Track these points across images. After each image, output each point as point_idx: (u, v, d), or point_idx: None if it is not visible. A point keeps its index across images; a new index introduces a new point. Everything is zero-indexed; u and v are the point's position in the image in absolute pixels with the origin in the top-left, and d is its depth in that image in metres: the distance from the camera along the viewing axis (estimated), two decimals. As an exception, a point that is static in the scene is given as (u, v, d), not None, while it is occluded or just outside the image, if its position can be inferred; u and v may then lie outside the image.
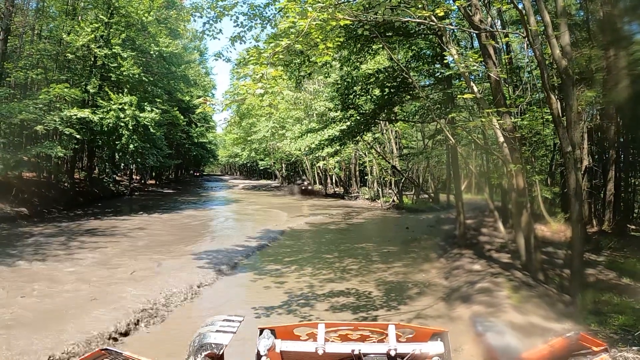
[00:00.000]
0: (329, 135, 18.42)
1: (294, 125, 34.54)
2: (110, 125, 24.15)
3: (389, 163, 29.28)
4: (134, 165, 38.29)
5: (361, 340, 2.57)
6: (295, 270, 11.92)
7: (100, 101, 24.47)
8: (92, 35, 23.07)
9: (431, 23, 7.86)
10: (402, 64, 13.86)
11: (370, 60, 16.90)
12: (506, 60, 13.06)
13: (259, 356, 2.42)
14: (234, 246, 14.78)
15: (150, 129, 26.72)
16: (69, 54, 23.30)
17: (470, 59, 8.47)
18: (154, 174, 47.61)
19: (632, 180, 14.37)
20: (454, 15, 13.46)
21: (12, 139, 20.87)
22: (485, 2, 11.18)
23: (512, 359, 2.19)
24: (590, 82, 11.43)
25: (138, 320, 7.79)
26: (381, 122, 22.18)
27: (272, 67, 6.80)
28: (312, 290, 9.96)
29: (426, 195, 29.74)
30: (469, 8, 9.66)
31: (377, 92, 15.87)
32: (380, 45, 13.23)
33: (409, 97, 15.25)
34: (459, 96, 10.66)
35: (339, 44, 9.59)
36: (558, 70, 8.35)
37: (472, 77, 11.63)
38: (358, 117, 16.19)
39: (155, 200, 32.16)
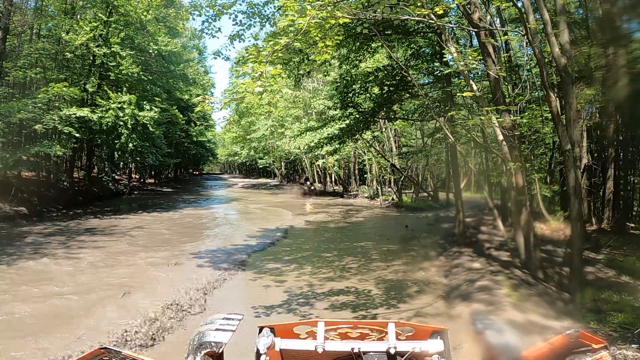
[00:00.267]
0: (328, 134, 18.39)
1: (293, 123, 34.55)
2: (110, 124, 24.16)
3: (388, 161, 29.27)
4: (133, 164, 38.31)
5: (361, 338, 2.57)
6: (295, 269, 11.92)
7: (99, 100, 24.48)
8: (91, 34, 23.07)
9: (430, 21, 7.85)
10: (401, 62, 13.86)
11: (369, 59, 16.90)
12: (505, 59, 13.05)
13: (258, 354, 2.42)
14: (233, 246, 14.79)
15: (150, 127, 26.75)
16: (67, 53, 23.28)
17: (470, 57, 8.48)
18: (153, 172, 47.62)
19: (631, 179, 14.38)
20: (453, 13, 13.46)
21: (11, 138, 20.84)
22: (485, 0, 11.17)
23: (512, 357, 2.19)
24: (590, 80, 11.42)
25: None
26: (380, 120, 22.17)
27: (271, 66, 6.79)
28: (311, 289, 9.96)
29: (425, 194, 29.72)
30: (468, 6, 9.66)
31: (376, 90, 15.84)
32: (380, 44, 13.22)
33: (408, 95, 15.23)
34: (458, 94, 10.67)
35: (338, 42, 9.57)
36: (557, 69, 8.36)
37: (471, 75, 11.60)
38: (357, 116, 16.17)
39: (155, 199, 32.15)
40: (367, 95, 16.25)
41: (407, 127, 29.67)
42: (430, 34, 13.57)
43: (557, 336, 2.23)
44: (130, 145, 25.90)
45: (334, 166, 37.85)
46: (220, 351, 2.34)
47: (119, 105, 24.60)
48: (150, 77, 28.75)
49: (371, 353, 2.40)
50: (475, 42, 13.96)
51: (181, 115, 34.92)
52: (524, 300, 7.75)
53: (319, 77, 27.81)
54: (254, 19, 10.71)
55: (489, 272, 9.71)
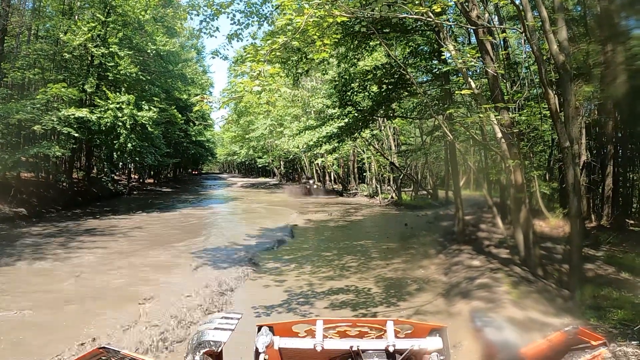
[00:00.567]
0: (327, 132, 18.39)
1: (292, 122, 34.55)
2: (108, 124, 24.16)
3: (387, 160, 29.26)
4: (132, 165, 38.30)
5: (359, 336, 2.57)
6: (294, 268, 11.93)
7: (98, 100, 24.48)
8: (89, 35, 23.04)
9: (428, 19, 7.85)
10: (399, 60, 13.85)
11: (367, 57, 16.88)
12: (504, 56, 13.04)
13: (257, 353, 2.42)
14: (237, 246, 14.78)
15: (148, 127, 26.73)
16: (66, 54, 23.26)
17: (468, 55, 8.47)
18: (152, 172, 47.58)
19: (631, 175, 14.39)
20: (451, 11, 13.46)
21: (10, 139, 20.81)
22: (482, -3, 11.17)
23: (511, 354, 2.18)
24: (588, 77, 11.44)
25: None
26: (379, 118, 22.15)
27: (269, 65, 6.79)
28: (311, 288, 9.96)
29: (425, 192, 29.73)
30: (466, 4, 9.65)
31: (374, 88, 15.84)
32: (378, 42, 13.21)
33: (406, 93, 15.23)
34: (456, 92, 10.64)
35: (336, 40, 9.57)
36: (556, 66, 8.36)
37: (470, 73, 11.62)
38: (356, 114, 16.17)
39: (154, 199, 32.11)
40: (366, 93, 16.24)
41: (406, 125, 29.64)
42: (428, 32, 13.56)
43: (556, 333, 2.23)
44: (129, 145, 25.89)
45: (333, 165, 37.83)
46: (219, 350, 2.34)
47: (118, 106, 24.59)
48: (149, 77, 28.72)
49: (370, 351, 2.40)
50: (473, 39, 13.99)
51: (180, 115, 34.91)
52: (524, 297, 7.75)
53: (318, 75, 27.76)
54: (251, 18, 10.72)
55: (488, 270, 9.72)
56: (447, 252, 12.73)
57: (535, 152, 15.17)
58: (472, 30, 11.69)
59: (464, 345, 5.64)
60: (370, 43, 14.26)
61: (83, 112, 22.13)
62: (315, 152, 29.57)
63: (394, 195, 29.76)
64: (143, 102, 26.69)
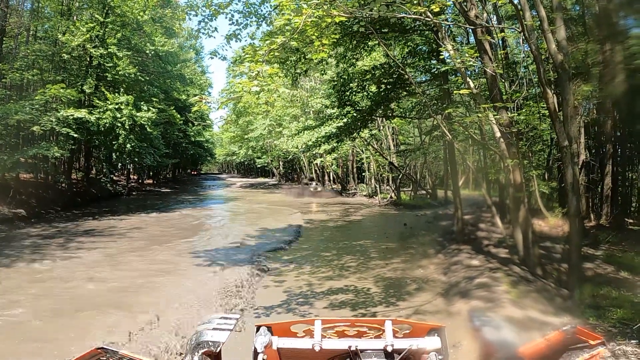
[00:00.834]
0: (325, 132, 18.37)
1: (291, 122, 34.54)
2: (107, 125, 24.16)
3: (386, 159, 29.27)
4: (131, 165, 38.27)
5: (358, 336, 2.57)
6: (294, 269, 11.93)
7: (97, 101, 24.45)
8: (88, 35, 23.03)
9: (427, 19, 7.84)
10: (398, 60, 13.84)
11: (366, 57, 16.87)
12: (502, 56, 13.03)
13: (255, 353, 2.42)
14: (232, 245, 14.79)
15: (147, 128, 26.73)
16: (64, 55, 23.26)
17: (466, 55, 8.46)
18: (151, 173, 47.56)
19: (630, 174, 14.38)
20: (450, 11, 13.47)
21: (9, 140, 20.80)
22: (481, -3, 11.18)
23: (509, 353, 2.18)
24: (587, 76, 11.43)
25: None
26: (378, 118, 22.15)
27: (268, 65, 6.78)
28: (310, 288, 9.96)
29: (424, 192, 29.73)
30: (465, 4, 9.65)
31: (373, 88, 15.84)
32: (376, 42, 13.20)
33: (405, 93, 15.23)
34: (455, 92, 10.63)
35: (335, 40, 9.59)
36: (554, 65, 8.36)
37: (469, 72, 11.63)
38: (355, 114, 16.16)
39: (153, 199, 32.12)
40: (365, 93, 16.24)
41: (404, 125, 29.64)
42: (427, 32, 13.56)
43: (554, 332, 2.23)
44: (128, 146, 25.89)
45: (332, 165, 37.82)
46: (217, 350, 2.34)
47: (117, 106, 24.59)
48: (148, 78, 28.71)
49: (368, 351, 2.41)
50: (472, 39, 13.98)
51: (179, 116, 34.91)
52: (523, 296, 7.75)
53: (316, 75, 27.76)
54: (250, 19, 10.72)
55: (487, 269, 9.71)
56: (446, 252, 12.73)
57: (534, 151, 15.18)
58: (470, 30, 11.71)
59: (463, 344, 5.64)
60: (369, 43, 14.24)
61: (82, 113, 22.13)
62: (314, 152, 29.54)
63: (393, 195, 29.77)
64: (142, 103, 26.69)
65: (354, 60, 15.42)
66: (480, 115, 8.84)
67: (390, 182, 31.02)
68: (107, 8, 24.73)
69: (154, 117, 26.86)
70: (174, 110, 33.43)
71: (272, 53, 6.90)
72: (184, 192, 42.04)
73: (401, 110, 19.41)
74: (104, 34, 24.87)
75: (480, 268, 10.03)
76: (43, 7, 24.42)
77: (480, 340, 2.32)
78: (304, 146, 26.49)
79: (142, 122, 26.06)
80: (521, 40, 10.54)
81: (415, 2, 7.46)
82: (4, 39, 21.06)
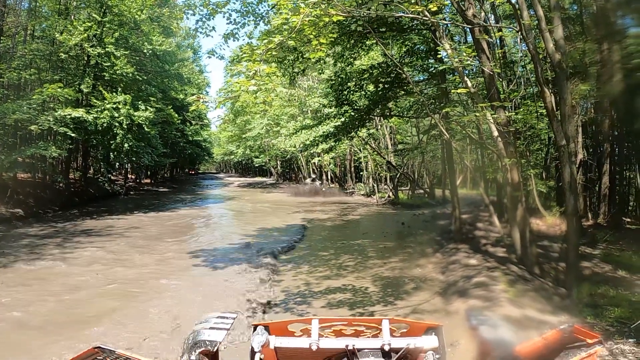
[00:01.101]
0: (323, 132, 18.36)
1: (289, 122, 34.52)
2: (105, 124, 24.12)
3: (384, 159, 29.26)
4: (129, 165, 38.18)
5: (355, 335, 2.57)
6: (291, 268, 11.92)
7: (94, 100, 24.41)
8: (85, 35, 22.99)
9: (424, 18, 7.85)
10: (395, 59, 13.82)
11: (364, 56, 16.86)
12: (500, 55, 13.04)
13: (252, 353, 2.42)
14: (232, 245, 14.78)
15: (145, 127, 26.71)
16: (62, 54, 23.24)
17: (464, 54, 8.47)
18: (149, 172, 47.49)
19: (627, 173, 14.41)
20: (447, 10, 13.47)
21: (7, 139, 20.75)
22: (479, -4, 11.18)
23: (506, 352, 2.18)
24: (584, 75, 11.43)
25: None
26: (375, 117, 22.16)
27: (265, 64, 6.79)
28: (308, 287, 9.96)
29: (421, 191, 29.75)
30: (462, 3, 9.67)
31: (371, 87, 15.82)
32: (374, 41, 13.19)
33: (403, 92, 15.21)
34: (453, 91, 10.65)
35: (332, 40, 9.58)
36: (552, 64, 8.36)
37: (466, 71, 11.63)
38: (352, 113, 16.15)
39: (151, 199, 32.09)
40: (362, 92, 16.22)
41: (402, 124, 29.62)
42: (424, 31, 13.54)
43: (551, 331, 2.23)
44: (126, 145, 25.86)
45: (330, 164, 37.81)
46: (215, 350, 2.34)
47: (114, 106, 24.56)
48: (145, 77, 28.67)
49: (366, 350, 2.41)
50: (469, 38, 13.97)
51: (176, 115, 34.85)
52: (521, 295, 7.76)
53: (314, 75, 27.77)
54: (248, 18, 10.72)
55: (485, 269, 9.72)
56: (444, 251, 12.73)
57: (531, 150, 15.17)
58: (468, 29, 11.71)
59: (461, 343, 5.64)
60: (367, 42, 14.23)
61: (79, 112, 22.08)
62: (312, 152, 29.54)
63: (390, 194, 29.78)
64: (139, 102, 26.66)
65: (351, 59, 15.42)
66: (477, 114, 8.85)
67: (388, 181, 31.04)
68: (104, 7, 24.71)
69: (151, 117, 26.83)
70: (172, 110, 33.37)
71: (269, 52, 6.90)
72: (181, 191, 42.00)
73: (399, 109, 19.40)
74: (102, 33, 24.83)
75: (478, 267, 10.03)
76: (40, 6, 24.38)
77: (478, 339, 2.32)
78: (301, 145, 26.49)
79: (140, 122, 26.03)
80: (519, 39, 10.55)
81: (413, 1, 7.46)
82: (2, 38, 21.02)
